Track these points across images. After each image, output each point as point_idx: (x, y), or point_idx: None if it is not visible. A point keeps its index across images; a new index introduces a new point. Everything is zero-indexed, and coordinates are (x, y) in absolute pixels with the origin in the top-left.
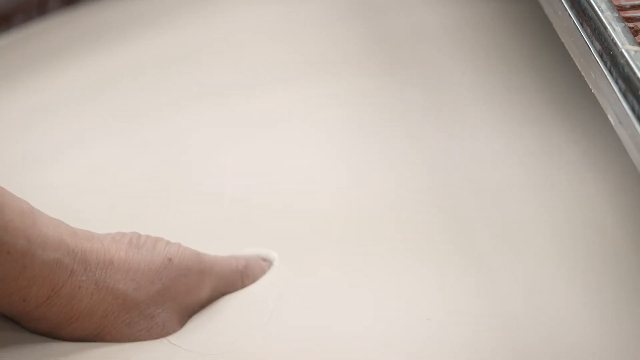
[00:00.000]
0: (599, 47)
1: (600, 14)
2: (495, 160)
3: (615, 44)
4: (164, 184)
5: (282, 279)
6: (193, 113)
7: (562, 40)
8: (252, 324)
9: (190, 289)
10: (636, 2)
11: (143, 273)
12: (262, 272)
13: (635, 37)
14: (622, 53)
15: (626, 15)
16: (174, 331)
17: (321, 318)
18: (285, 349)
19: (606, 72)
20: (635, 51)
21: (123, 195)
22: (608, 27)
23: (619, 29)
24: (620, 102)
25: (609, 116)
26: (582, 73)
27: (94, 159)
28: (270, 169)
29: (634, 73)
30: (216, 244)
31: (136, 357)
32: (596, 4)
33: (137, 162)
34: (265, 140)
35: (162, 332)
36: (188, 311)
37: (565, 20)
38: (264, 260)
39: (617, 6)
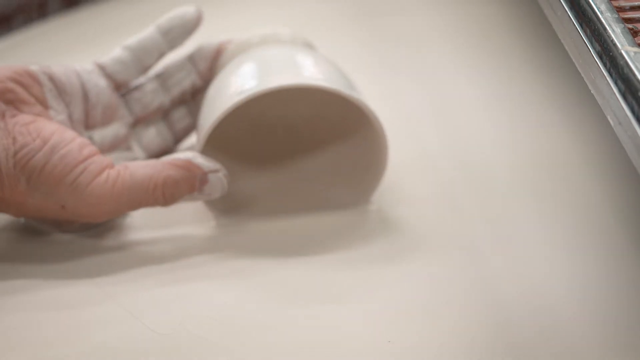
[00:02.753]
0: (598, 48)
1: (600, 15)
2: (495, 160)
3: (614, 45)
4: None
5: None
6: None
7: (562, 41)
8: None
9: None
10: (636, 4)
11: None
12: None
13: (635, 38)
14: (621, 54)
15: (626, 16)
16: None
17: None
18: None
19: (606, 73)
20: (635, 52)
21: None
22: (608, 28)
23: (618, 30)
24: (620, 103)
25: (608, 117)
26: (582, 74)
27: None
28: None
29: (634, 74)
30: None
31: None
32: (596, 5)
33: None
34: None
35: None
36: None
37: (565, 21)
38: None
39: (617, 7)
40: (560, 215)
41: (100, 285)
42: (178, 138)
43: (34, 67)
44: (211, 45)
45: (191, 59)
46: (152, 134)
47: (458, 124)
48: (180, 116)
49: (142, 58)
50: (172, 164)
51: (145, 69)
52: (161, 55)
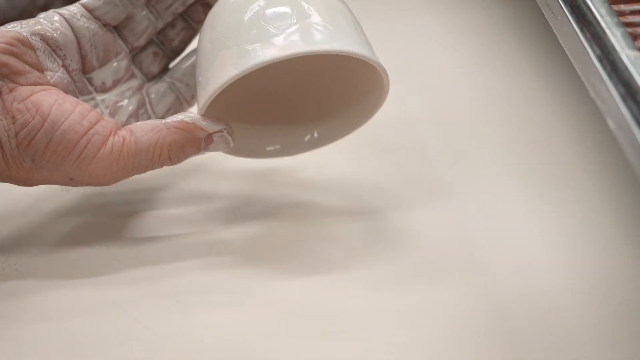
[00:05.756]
0: (598, 52)
1: (600, 19)
2: (494, 164)
3: (614, 49)
4: None
5: None
6: None
7: (562, 44)
8: None
9: None
10: (636, 7)
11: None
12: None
13: (635, 42)
14: (621, 58)
15: (626, 20)
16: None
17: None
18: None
19: (606, 77)
20: (635, 56)
21: None
22: (608, 32)
23: (618, 34)
24: (619, 107)
25: (608, 121)
26: (582, 78)
27: None
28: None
29: (634, 78)
30: None
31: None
32: (596, 9)
33: None
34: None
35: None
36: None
37: (565, 25)
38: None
39: (617, 11)
40: (557, 222)
41: (102, 290)
42: (177, 52)
43: (24, 31)
44: None
45: None
46: (150, 58)
47: (458, 126)
48: (176, 32)
49: None
50: (176, 127)
51: (134, 4)
52: None
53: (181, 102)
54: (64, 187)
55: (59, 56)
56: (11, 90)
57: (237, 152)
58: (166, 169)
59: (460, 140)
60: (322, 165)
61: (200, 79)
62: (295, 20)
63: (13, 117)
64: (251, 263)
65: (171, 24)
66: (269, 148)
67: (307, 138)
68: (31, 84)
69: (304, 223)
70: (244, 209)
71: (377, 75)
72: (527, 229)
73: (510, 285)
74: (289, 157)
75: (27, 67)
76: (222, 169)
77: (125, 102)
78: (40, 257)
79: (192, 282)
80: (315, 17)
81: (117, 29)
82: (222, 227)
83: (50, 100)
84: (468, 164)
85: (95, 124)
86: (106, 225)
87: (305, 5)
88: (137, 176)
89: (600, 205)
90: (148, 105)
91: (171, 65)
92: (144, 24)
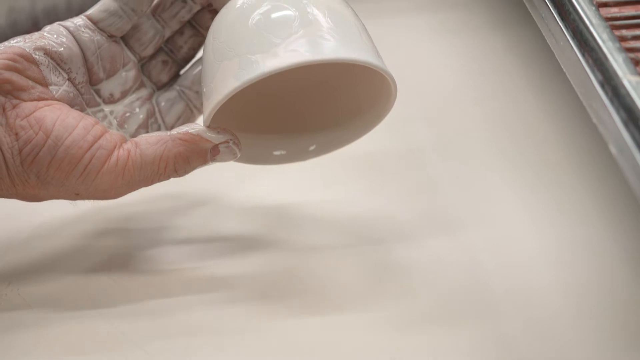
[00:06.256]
0: (600, 77)
1: (602, 45)
2: (496, 190)
3: (616, 74)
4: None
5: None
6: None
7: (564, 70)
8: None
9: None
10: (637, 33)
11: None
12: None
13: (637, 68)
14: (623, 83)
15: (628, 45)
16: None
17: None
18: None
19: (607, 102)
20: (637, 81)
21: None
22: (609, 57)
23: (620, 59)
24: (621, 132)
25: (610, 146)
26: (584, 103)
27: None
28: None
29: (635, 103)
30: None
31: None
32: (598, 34)
33: None
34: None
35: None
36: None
37: (567, 50)
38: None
39: (619, 37)
40: (560, 246)
41: (110, 322)
42: (187, 59)
43: (26, 46)
44: None
45: None
46: (160, 66)
47: (462, 155)
48: (184, 39)
49: (133, 6)
50: (182, 139)
51: (139, 15)
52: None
53: (191, 110)
54: (71, 201)
55: (63, 70)
56: (14, 107)
57: (243, 159)
58: (174, 199)
59: (465, 168)
60: (328, 201)
61: (204, 89)
62: (297, 29)
63: (17, 134)
64: (257, 299)
65: (179, 32)
66: (275, 152)
67: (312, 146)
68: (35, 100)
69: (309, 258)
70: (250, 244)
71: (384, 82)
72: (538, 264)
73: (520, 327)
74: (295, 172)
75: (30, 83)
76: (229, 203)
77: (134, 112)
78: (45, 284)
79: (196, 318)
80: (318, 25)
81: (124, 39)
82: (227, 262)
83: (54, 116)
84: (474, 192)
85: (100, 138)
86: (111, 254)
87: (307, 12)
88: (144, 207)
89: (600, 234)
90: (158, 115)
91: (181, 72)
92: (151, 33)
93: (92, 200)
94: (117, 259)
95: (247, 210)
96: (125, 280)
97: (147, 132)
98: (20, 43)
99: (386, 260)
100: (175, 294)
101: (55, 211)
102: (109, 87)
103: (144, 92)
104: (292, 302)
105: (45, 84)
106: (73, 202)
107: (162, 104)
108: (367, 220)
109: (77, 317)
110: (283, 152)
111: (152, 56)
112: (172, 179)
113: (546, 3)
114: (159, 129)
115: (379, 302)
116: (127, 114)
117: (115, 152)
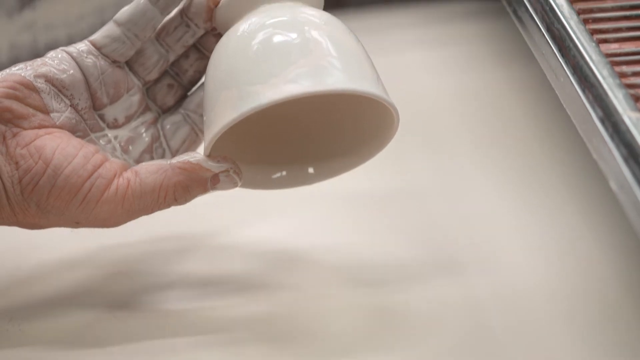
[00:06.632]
0: (600, 113)
1: (602, 81)
2: (496, 223)
3: (616, 110)
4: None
5: None
6: None
7: (565, 106)
8: None
9: None
10: (638, 69)
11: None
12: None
13: (637, 104)
14: (623, 120)
15: (628, 82)
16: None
17: None
18: None
19: (608, 139)
20: (637, 118)
21: None
22: (610, 93)
23: (620, 95)
24: (622, 168)
25: (610, 182)
26: (584, 139)
27: None
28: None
29: (636, 140)
30: None
31: None
32: (598, 70)
33: None
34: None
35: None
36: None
37: (568, 86)
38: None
39: (619, 73)
40: (560, 282)
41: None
42: (193, 82)
43: (27, 74)
44: (202, 1)
45: (185, 14)
46: (165, 90)
47: (462, 192)
48: (190, 63)
49: (136, 32)
50: (181, 168)
51: (142, 41)
52: (156, 24)
53: (196, 134)
54: (72, 229)
55: (65, 96)
56: (15, 135)
57: (243, 183)
58: (176, 240)
59: (467, 207)
60: (328, 243)
61: (205, 118)
62: (296, 59)
63: (17, 163)
64: (258, 342)
65: (184, 55)
66: (275, 176)
67: (312, 170)
68: (35, 128)
69: (310, 301)
70: (252, 286)
71: (386, 110)
72: (545, 309)
73: None
74: (296, 210)
75: (31, 111)
76: (232, 244)
77: (138, 137)
78: (46, 320)
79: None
80: (318, 55)
81: (128, 63)
82: (229, 304)
83: (54, 145)
84: (478, 232)
85: (100, 166)
86: (114, 292)
87: (308, 41)
88: (147, 247)
89: (601, 270)
90: (162, 139)
91: (189, 93)
92: (155, 57)
93: (93, 230)
94: (120, 298)
95: (249, 252)
96: (127, 319)
97: (152, 156)
98: (21, 70)
99: (387, 304)
100: (177, 334)
101: (58, 248)
102: (113, 112)
103: (149, 116)
104: (293, 346)
105: (46, 111)
106: (74, 229)
107: (167, 127)
108: (368, 263)
109: (79, 354)
110: (283, 174)
111: (158, 80)
112: (179, 216)
113: (546, 39)
114: (163, 154)
115: (380, 347)
116: (132, 139)
117: (115, 181)
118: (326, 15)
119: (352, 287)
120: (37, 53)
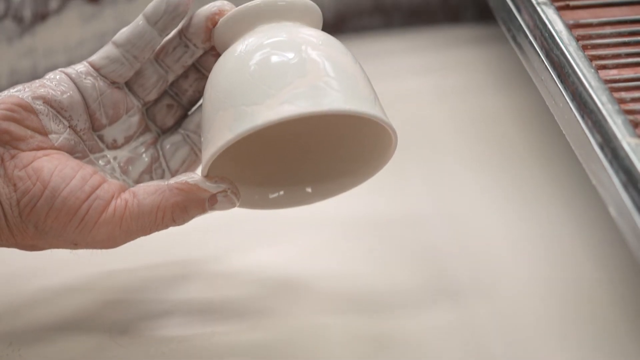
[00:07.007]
0: (599, 139)
1: (601, 107)
2: (496, 249)
3: (615, 136)
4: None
5: None
6: None
7: (564, 132)
8: None
9: None
10: (636, 95)
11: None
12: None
13: (636, 130)
14: (622, 145)
15: (627, 107)
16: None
17: None
18: None
19: (607, 164)
20: (636, 144)
21: None
22: (609, 119)
23: (619, 121)
24: (621, 194)
25: (609, 208)
26: (583, 165)
27: None
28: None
29: (634, 166)
30: None
31: None
32: (597, 96)
33: None
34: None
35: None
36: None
37: (567, 112)
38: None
39: (618, 99)
40: (561, 309)
41: None
42: (193, 102)
43: (25, 95)
44: (200, 22)
45: (184, 35)
46: (164, 110)
47: (462, 217)
48: (189, 83)
49: (135, 53)
50: (179, 188)
51: (141, 62)
52: (155, 45)
53: (196, 154)
54: (71, 251)
55: (64, 117)
56: (13, 157)
57: (241, 203)
58: (174, 266)
59: (467, 233)
60: (327, 270)
61: (202, 138)
62: (292, 80)
63: (15, 185)
64: None
65: (184, 75)
66: (272, 195)
67: (310, 190)
68: (34, 149)
69: (309, 329)
70: (251, 313)
71: (384, 130)
72: (546, 339)
73: None
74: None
75: (29, 132)
76: (231, 271)
77: (138, 158)
78: (46, 344)
79: None
80: (314, 75)
81: (127, 84)
82: (228, 330)
83: (51, 167)
84: (478, 260)
85: (97, 188)
86: (113, 319)
87: (304, 61)
88: (146, 273)
89: (600, 296)
90: (162, 160)
91: (190, 112)
92: (154, 78)
93: (92, 251)
94: (120, 324)
95: (249, 278)
96: (128, 345)
97: (151, 177)
98: (19, 92)
99: (386, 331)
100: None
101: (58, 273)
102: (113, 133)
103: (148, 137)
104: None
105: (44, 133)
106: (73, 251)
107: (167, 147)
108: (367, 289)
109: None
110: (281, 194)
111: (157, 100)
112: (179, 241)
113: (546, 65)
114: (163, 174)
115: None
116: (131, 160)
117: (113, 203)
118: (324, 35)
119: (351, 313)
120: (37, 78)
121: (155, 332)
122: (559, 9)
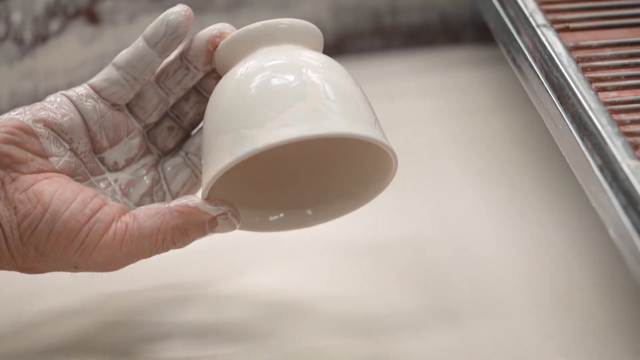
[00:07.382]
0: (599, 161)
1: (601, 129)
2: (497, 270)
3: (615, 158)
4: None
5: None
6: None
7: (564, 154)
8: None
9: None
10: (636, 117)
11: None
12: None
13: (636, 152)
14: (622, 168)
15: (626, 130)
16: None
17: None
18: None
19: (606, 187)
20: (636, 166)
21: None
22: (608, 141)
23: (619, 143)
24: (620, 216)
25: (609, 230)
26: (583, 187)
27: None
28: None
29: (634, 188)
30: None
31: None
32: (597, 118)
33: None
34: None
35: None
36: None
37: (566, 134)
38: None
39: (618, 121)
40: (560, 325)
41: None
42: (194, 124)
43: (26, 118)
44: (201, 44)
45: (184, 57)
46: (165, 132)
47: (463, 239)
48: (190, 105)
49: (135, 75)
50: (179, 211)
51: (141, 84)
52: (155, 67)
53: (197, 176)
54: (72, 274)
55: (65, 140)
56: (13, 180)
57: (241, 226)
58: (175, 289)
59: (467, 255)
60: (326, 293)
61: (202, 161)
62: (292, 103)
63: (15, 207)
64: None
65: (185, 97)
66: (272, 218)
67: (310, 212)
68: (34, 172)
69: (308, 353)
70: (250, 337)
71: (384, 153)
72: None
73: None
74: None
75: (29, 155)
76: (230, 294)
77: (139, 180)
78: None
79: None
80: (314, 98)
81: (128, 106)
82: (227, 353)
83: (52, 190)
84: (478, 283)
85: (98, 210)
86: (113, 342)
87: (304, 84)
88: (146, 296)
89: (601, 318)
90: (163, 182)
91: (193, 133)
92: (155, 100)
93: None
94: (120, 347)
95: (249, 301)
96: None
97: (152, 199)
98: (20, 115)
99: (387, 354)
100: None
101: (58, 296)
102: (113, 155)
103: (149, 159)
104: None
105: (45, 155)
106: (74, 274)
107: (168, 169)
108: (368, 311)
109: None
110: (281, 217)
111: (158, 122)
112: (179, 264)
113: (545, 87)
114: (164, 197)
115: None
116: (132, 182)
117: (113, 226)
118: (324, 58)
119: (352, 335)
120: (37, 100)
121: (156, 354)
122: (558, 31)
